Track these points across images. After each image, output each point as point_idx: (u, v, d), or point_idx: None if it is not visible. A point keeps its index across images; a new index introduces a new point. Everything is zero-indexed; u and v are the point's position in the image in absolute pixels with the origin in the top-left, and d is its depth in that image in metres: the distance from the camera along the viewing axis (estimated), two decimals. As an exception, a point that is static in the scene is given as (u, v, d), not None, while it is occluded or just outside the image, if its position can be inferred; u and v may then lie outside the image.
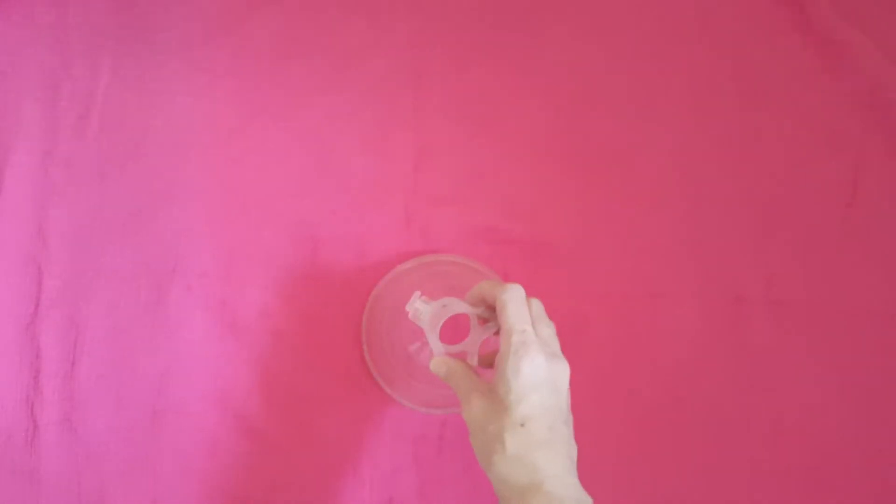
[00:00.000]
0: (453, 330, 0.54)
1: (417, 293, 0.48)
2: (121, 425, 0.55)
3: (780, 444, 0.56)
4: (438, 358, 0.46)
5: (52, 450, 0.54)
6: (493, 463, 0.40)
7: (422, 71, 0.61)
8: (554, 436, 0.40)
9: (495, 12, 0.62)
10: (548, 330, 0.44)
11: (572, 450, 0.41)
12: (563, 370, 0.42)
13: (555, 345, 0.44)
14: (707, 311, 0.57)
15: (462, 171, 0.59)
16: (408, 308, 0.47)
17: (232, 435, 0.56)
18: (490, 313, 0.46)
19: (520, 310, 0.42)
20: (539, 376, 0.40)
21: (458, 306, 0.46)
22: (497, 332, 0.46)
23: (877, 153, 0.59)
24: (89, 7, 0.60)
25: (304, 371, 0.57)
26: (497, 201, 0.59)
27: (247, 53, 0.60)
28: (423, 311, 0.47)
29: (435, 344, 0.46)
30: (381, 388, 0.56)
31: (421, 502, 0.55)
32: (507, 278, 0.57)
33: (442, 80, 0.61)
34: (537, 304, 0.45)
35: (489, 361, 0.47)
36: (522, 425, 0.40)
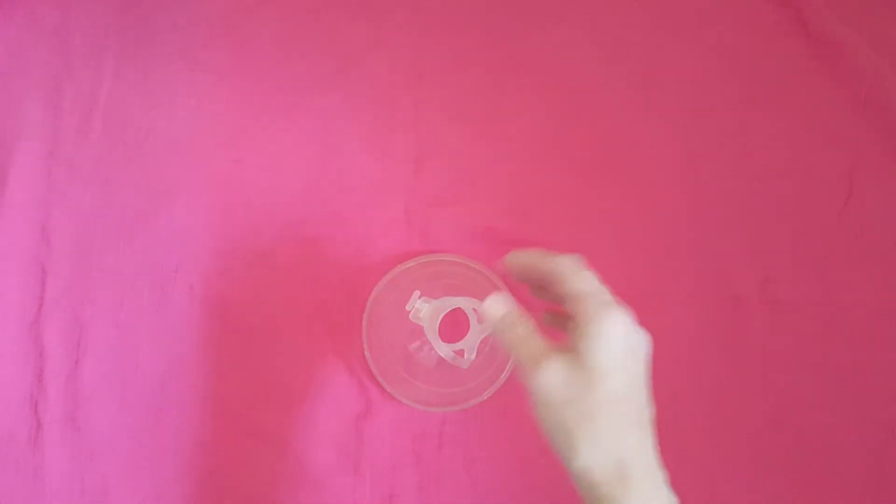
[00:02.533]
0: (452, 328, 0.54)
1: (417, 293, 0.48)
2: (124, 424, 0.55)
3: (776, 443, 0.56)
4: (501, 308, 0.38)
5: (56, 448, 0.55)
6: (579, 448, 0.32)
7: (422, 71, 0.61)
8: (644, 416, 0.34)
9: (495, 13, 0.62)
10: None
11: (655, 443, 0.35)
12: (647, 343, 0.35)
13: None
14: (704, 311, 0.58)
15: (462, 171, 0.60)
16: (408, 308, 0.48)
17: (233, 433, 0.56)
18: (540, 291, 0.39)
19: (588, 274, 0.36)
20: (628, 343, 0.34)
21: (457, 302, 0.47)
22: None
23: (873, 153, 0.60)
24: (92, 9, 0.60)
25: (305, 370, 0.57)
26: (497, 201, 0.59)
27: (248, 54, 0.61)
28: (423, 310, 0.47)
29: (435, 343, 0.47)
30: (382, 386, 0.56)
31: (421, 499, 0.56)
32: (506, 278, 0.58)
33: (442, 80, 0.61)
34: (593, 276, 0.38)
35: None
36: (618, 401, 0.33)
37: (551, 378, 0.33)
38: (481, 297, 0.42)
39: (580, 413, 0.33)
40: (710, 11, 0.62)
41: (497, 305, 0.38)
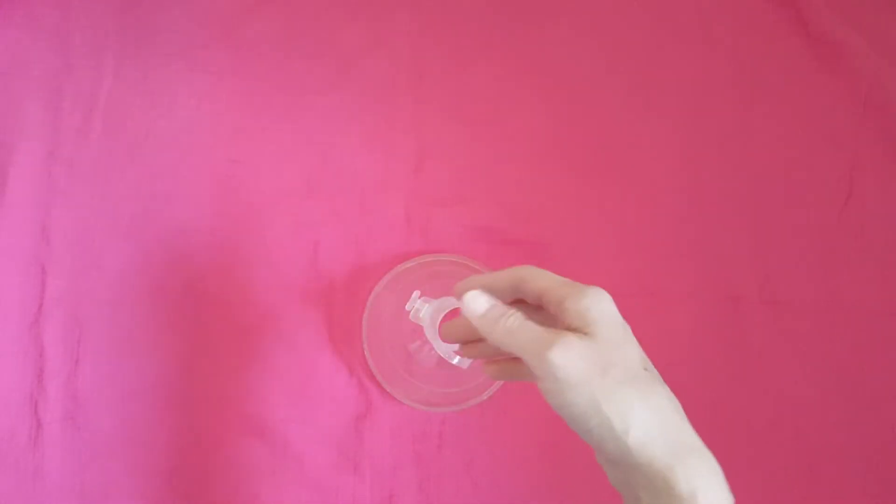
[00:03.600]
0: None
1: (417, 293, 0.48)
2: (124, 424, 0.55)
3: (776, 443, 0.56)
4: (476, 294, 0.35)
5: (56, 448, 0.55)
6: (633, 419, 0.29)
7: (422, 71, 0.61)
8: (663, 382, 0.32)
9: (495, 13, 0.62)
10: None
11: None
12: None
13: None
14: (703, 310, 0.58)
15: (462, 171, 0.60)
16: (408, 307, 0.48)
17: (233, 433, 0.56)
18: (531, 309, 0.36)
19: (547, 273, 0.35)
20: (616, 312, 0.32)
21: (457, 302, 0.47)
22: None
23: (873, 153, 0.60)
24: (92, 8, 0.60)
25: (305, 369, 0.57)
26: (497, 201, 0.59)
27: (248, 54, 0.61)
28: (423, 310, 0.47)
29: (435, 342, 0.47)
30: (382, 386, 0.56)
31: (421, 499, 0.56)
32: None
33: (442, 80, 0.61)
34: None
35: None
36: (641, 368, 0.31)
37: (570, 354, 0.30)
38: None
39: (620, 382, 0.30)
40: (710, 11, 0.62)
41: (478, 301, 0.34)
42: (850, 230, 0.59)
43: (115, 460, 0.55)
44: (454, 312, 0.47)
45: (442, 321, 0.48)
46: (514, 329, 0.32)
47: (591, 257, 0.59)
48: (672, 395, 0.32)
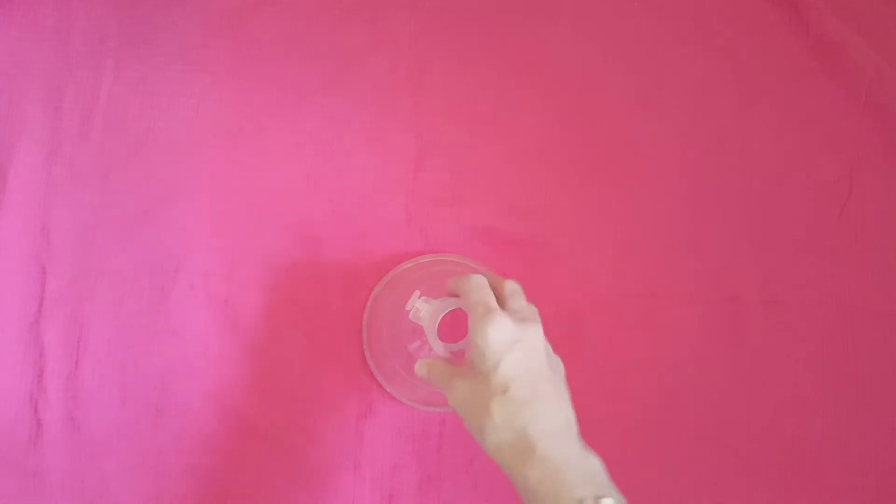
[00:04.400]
0: (452, 328, 0.54)
1: (417, 293, 0.48)
2: (124, 423, 0.55)
3: (776, 443, 0.56)
4: (420, 362, 0.47)
5: (56, 448, 0.55)
6: (485, 437, 0.40)
7: (422, 71, 0.61)
8: (539, 396, 0.40)
9: (495, 12, 0.62)
10: (520, 302, 0.45)
11: (565, 410, 0.41)
12: (534, 331, 0.42)
13: (527, 313, 0.44)
14: (703, 310, 0.58)
15: (462, 171, 0.60)
16: (408, 307, 0.48)
17: (234, 433, 0.56)
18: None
19: (480, 290, 0.43)
20: (508, 339, 0.40)
21: (456, 303, 0.47)
22: None
23: (873, 153, 0.60)
24: (92, 8, 0.60)
25: (305, 369, 0.57)
26: (497, 201, 0.59)
27: (248, 54, 0.61)
28: (423, 310, 0.47)
29: (435, 342, 0.47)
30: (382, 386, 0.56)
31: (421, 499, 0.56)
32: (506, 278, 0.58)
33: (442, 79, 0.61)
34: (511, 284, 0.46)
35: None
36: (504, 392, 0.39)
37: (457, 391, 0.42)
38: None
39: (481, 408, 0.40)
40: (710, 11, 0.62)
41: (421, 370, 0.47)
42: (850, 230, 0.59)
43: (115, 460, 0.55)
44: (454, 313, 0.47)
45: (442, 322, 0.48)
46: (436, 373, 0.46)
47: (592, 257, 0.59)
48: (546, 402, 0.40)
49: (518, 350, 0.41)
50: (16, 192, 0.57)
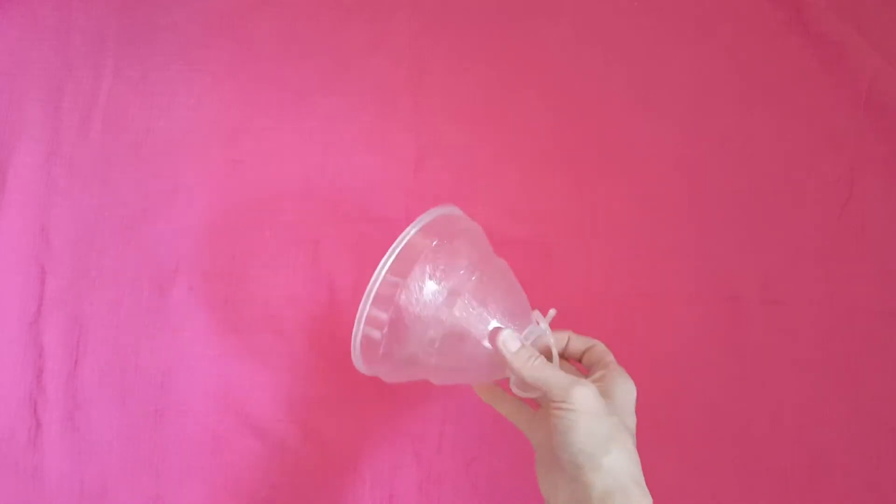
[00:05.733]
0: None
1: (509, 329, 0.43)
2: (123, 424, 0.55)
3: (776, 443, 0.56)
4: (510, 333, 0.43)
5: (55, 448, 0.55)
6: (611, 448, 0.40)
7: (422, 71, 0.61)
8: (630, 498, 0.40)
9: (495, 12, 0.62)
10: (609, 365, 0.45)
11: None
12: (634, 390, 0.44)
13: (617, 377, 0.44)
14: (703, 311, 0.58)
15: (462, 171, 0.60)
16: (501, 342, 0.43)
17: (233, 433, 0.56)
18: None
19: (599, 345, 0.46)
20: (631, 395, 0.43)
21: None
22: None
23: (873, 153, 0.60)
24: (92, 8, 0.60)
25: (305, 369, 0.57)
26: (497, 201, 0.59)
27: (248, 54, 0.61)
28: (511, 342, 0.43)
29: (519, 387, 0.44)
30: (382, 386, 0.56)
31: (421, 499, 0.56)
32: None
33: (442, 79, 0.61)
34: (600, 347, 0.46)
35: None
36: (629, 432, 0.41)
37: (589, 394, 0.40)
38: None
39: (614, 425, 0.40)
40: (710, 11, 0.62)
41: (512, 340, 0.43)
42: (850, 230, 0.59)
43: (115, 460, 0.55)
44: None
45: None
46: (540, 367, 0.42)
47: (592, 257, 0.59)
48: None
49: (630, 411, 0.42)
50: (16, 192, 0.57)
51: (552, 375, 0.42)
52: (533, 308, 0.46)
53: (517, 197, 0.60)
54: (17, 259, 0.56)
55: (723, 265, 0.58)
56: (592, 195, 0.60)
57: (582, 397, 0.40)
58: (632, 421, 0.43)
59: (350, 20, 0.62)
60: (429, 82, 0.61)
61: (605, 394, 0.42)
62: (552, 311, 0.46)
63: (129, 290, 0.57)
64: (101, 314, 0.56)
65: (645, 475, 0.41)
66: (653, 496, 0.40)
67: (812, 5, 0.61)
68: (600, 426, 0.40)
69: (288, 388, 0.57)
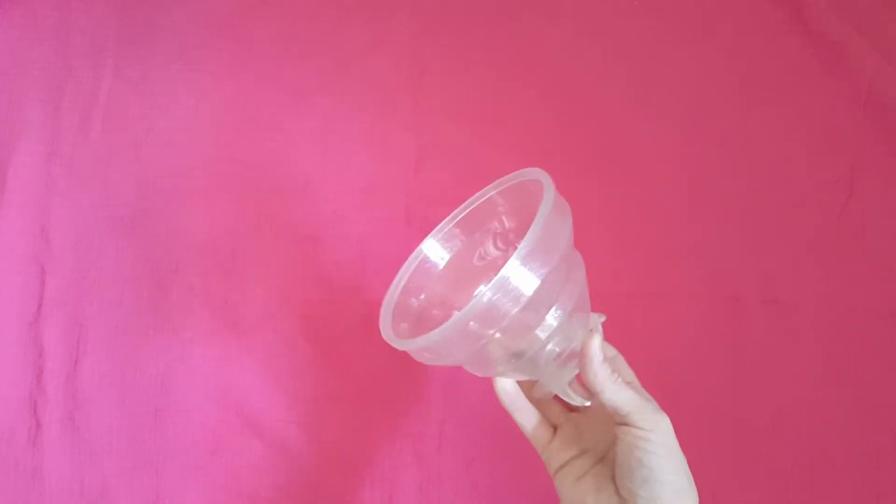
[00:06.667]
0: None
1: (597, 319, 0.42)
2: (123, 424, 0.55)
3: (776, 443, 0.56)
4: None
5: (55, 448, 0.55)
6: (679, 487, 0.40)
7: (422, 71, 0.61)
8: None
9: (495, 12, 0.62)
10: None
11: None
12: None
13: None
14: (703, 310, 0.58)
15: (462, 171, 0.60)
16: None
17: (233, 433, 0.56)
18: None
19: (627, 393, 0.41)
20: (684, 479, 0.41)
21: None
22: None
23: (873, 153, 0.60)
24: (92, 8, 0.60)
25: (305, 369, 0.57)
26: (497, 201, 0.59)
27: (247, 54, 0.61)
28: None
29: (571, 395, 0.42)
30: (382, 386, 0.56)
31: (421, 499, 0.56)
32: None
33: (442, 79, 0.61)
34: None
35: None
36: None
37: (671, 428, 0.40)
38: None
39: (689, 473, 0.40)
40: (710, 11, 0.62)
41: (599, 353, 0.40)
42: (850, 230, 0.59)
43: (114, 460, 0.55)
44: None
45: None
46: (622, 386, 0.40)
47: (592, 257, 0.59)
48: None
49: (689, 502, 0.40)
50: (16, 192, 0.57)
51: (635, 398, 0.40)
52: None
53: (517, 197, 0.60)
54: (17, 259, 0.56)
55: (723, 265, 0.58)
56: (593, 195, 0.60)
57: (668, 429, 0.39)
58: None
59: (350, 20, 0.62)
60: (429, 82, 0.61)
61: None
62: (603, 316, 0.44)
63: (129, 290, 0.57)
64: (102, 314, 0.56)
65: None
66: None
67: (812, 5, 0.61)
68: (681, 466, 0.39)
69: (288, 388, 0.57)
